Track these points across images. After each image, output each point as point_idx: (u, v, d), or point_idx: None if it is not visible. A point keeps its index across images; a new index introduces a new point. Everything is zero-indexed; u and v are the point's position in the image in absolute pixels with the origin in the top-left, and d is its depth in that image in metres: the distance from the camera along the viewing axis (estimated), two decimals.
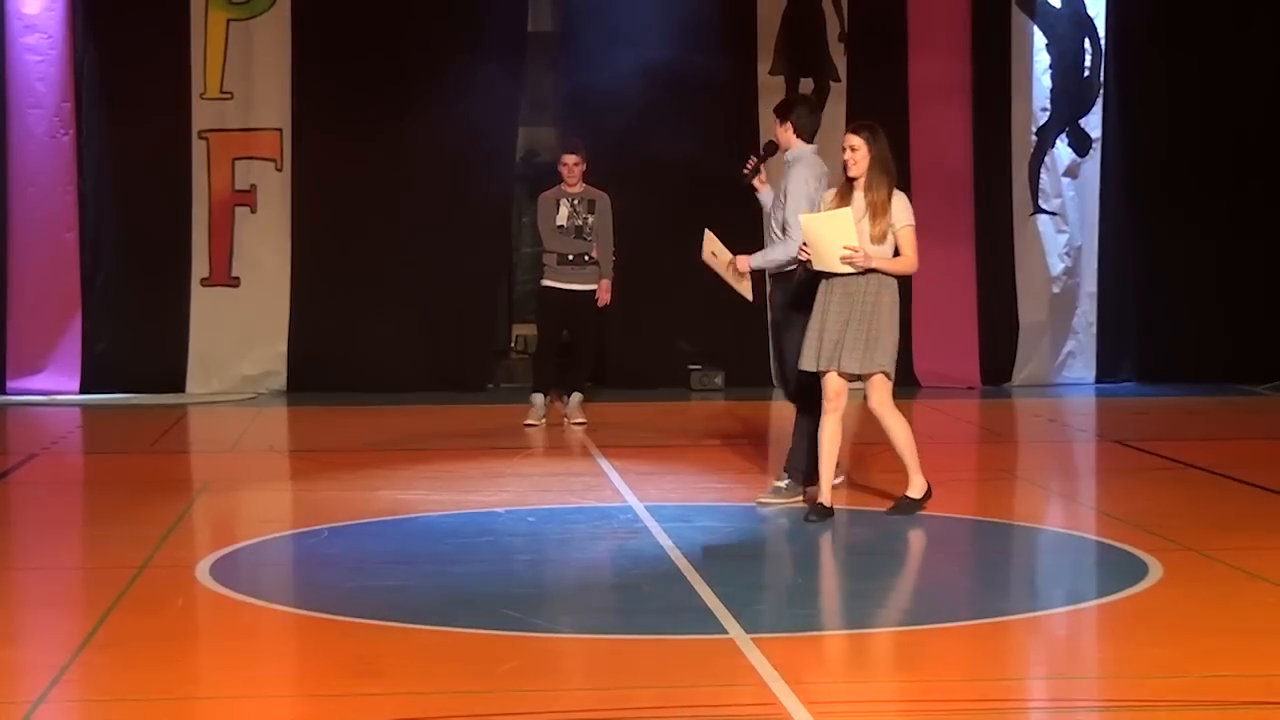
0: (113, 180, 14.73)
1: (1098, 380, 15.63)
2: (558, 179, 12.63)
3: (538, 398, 12.67)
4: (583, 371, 12.93)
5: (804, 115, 9.46)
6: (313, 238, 14.93)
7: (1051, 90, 15.61)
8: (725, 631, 6.45)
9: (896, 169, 8.91)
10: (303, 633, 6.75)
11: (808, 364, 8.88)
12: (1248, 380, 15.23)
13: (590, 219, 12.53)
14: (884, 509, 9.16)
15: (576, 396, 12.71)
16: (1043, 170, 15.61)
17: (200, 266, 14.89)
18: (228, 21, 14.84)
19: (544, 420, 12.54)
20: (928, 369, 15.44)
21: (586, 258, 12.52)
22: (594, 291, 12.54)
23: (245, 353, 14.94)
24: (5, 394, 14.51)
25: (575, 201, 12.54)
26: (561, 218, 12.51)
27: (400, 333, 15.01)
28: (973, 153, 15.49)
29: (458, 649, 6.32)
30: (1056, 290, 15.64)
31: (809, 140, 9.44)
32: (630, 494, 9.63)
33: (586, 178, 12.57)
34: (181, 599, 7.16)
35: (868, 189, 8.75)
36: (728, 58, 15.33)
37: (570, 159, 12.53)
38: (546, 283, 12.60)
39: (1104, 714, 5.59)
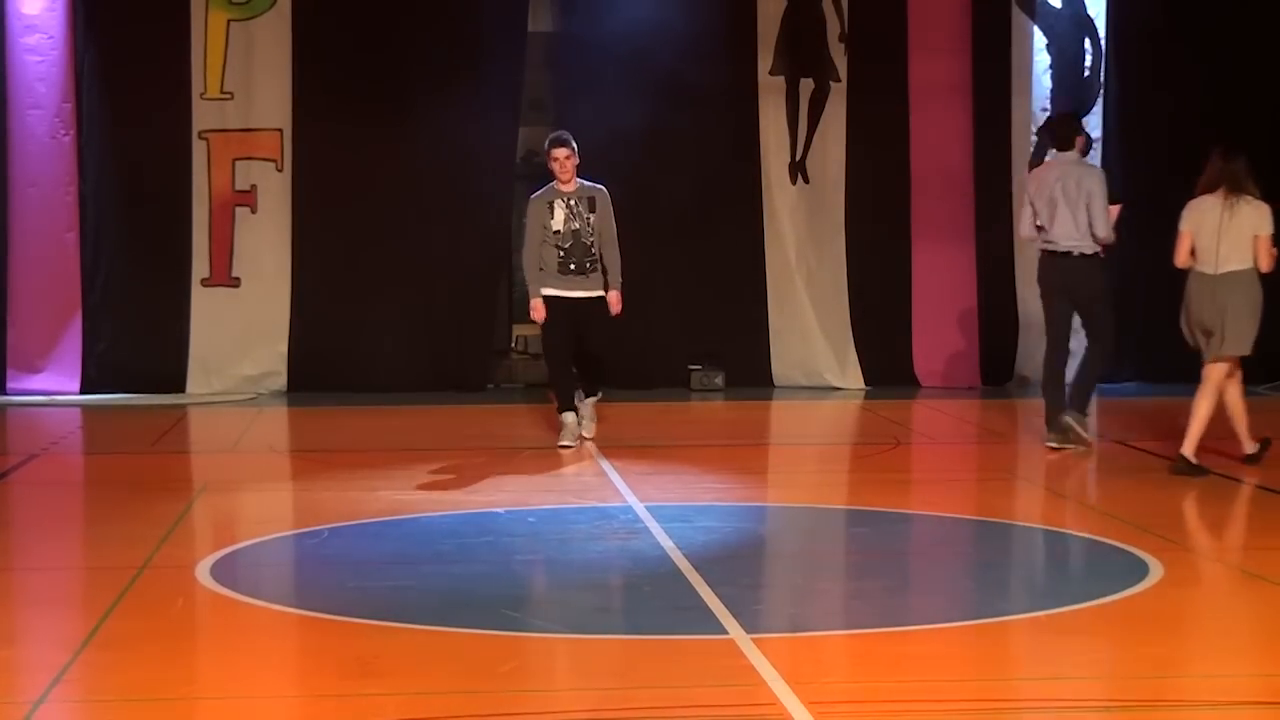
0: (113, 180, 14.73)
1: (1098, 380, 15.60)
2: (549, 178, 11.58)
3: (568, 417, 11.55)
4: (596, 377, 11.81)
5: (1053, 128, 11.68)
6: (313, 238, 14.93)
7: (1051, 90, 15.61)
8: (725, 631, 6.45)
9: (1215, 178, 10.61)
10: (303, 633, 6.76)
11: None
12: (1248, 380, 15.12)
13: (591, 218, 11.40)
14: (892, 510, 9.17)
15: (589, 401, 11.72)
16: None
17: (200, 266, 14.89)
18: (228, 21, 14.84)
19: (579, 440, 11.56)
20: (928, 369, 15.45)
21: (588, 263, 11.40)
22: (600, 298, 11.43)
23: (245, 353, 14.94)
24: (5, 394, 14.51)
25: (572, 202, 11.41)
26: (558, 222, 11.36)
27: (400, 333, 15.01)
28: (973, 153, 15.49)
29: (458, 649, 6.32)
30: None
31: (1059, 148, 11.30)
32: (630, 494, 9.63)
33: (580, 173, 11.55)
34: (182, 599, 7.16)
35: None
36: (728, 58, 15.33)
37: (561, 153, 11.40)
38: (546, 291, 11.44)
39: (1104, 714, 5.59)
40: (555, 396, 11.80)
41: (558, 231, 11.39)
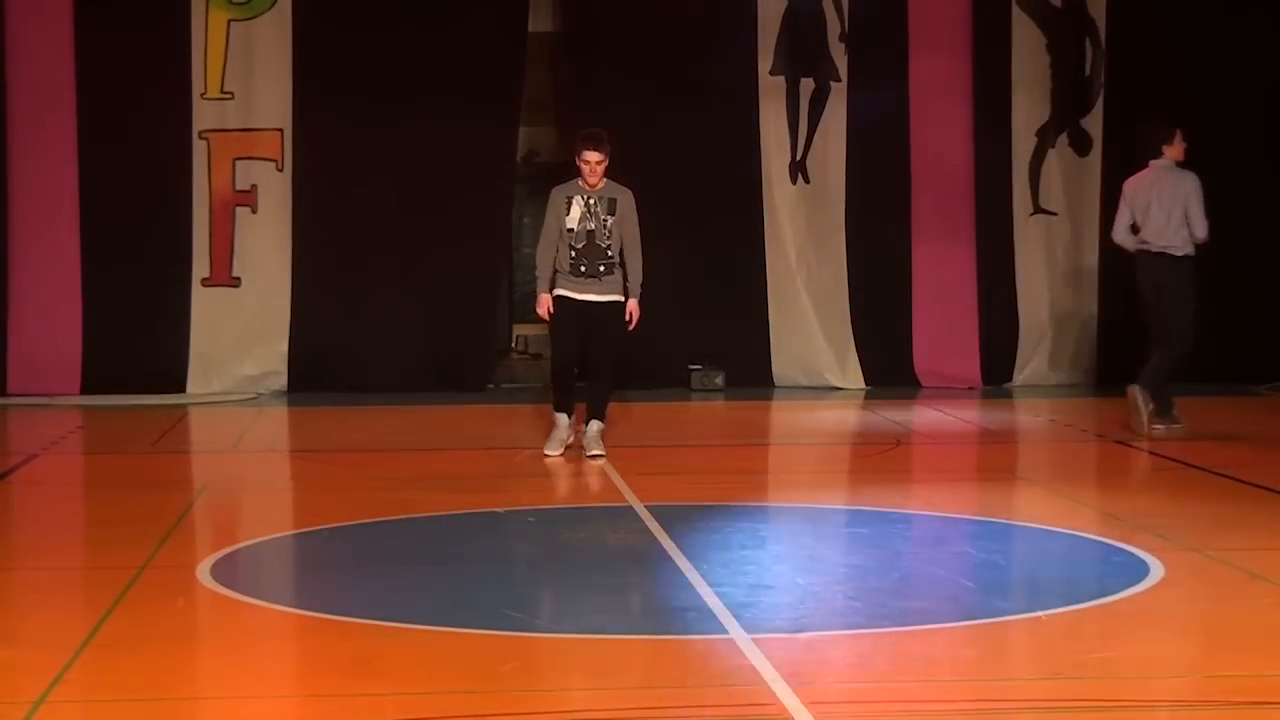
0: (113, 180, 14.73)
1: (1098, 380, 15.63)
2: (574, 173, 10.92)
3: (561, 419, 11.03)
4: (601, 395, 11.03)
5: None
6: (313, 238, 14.94)
7: (1051, 90, 15.62)
8: (725, 631, 6.45)
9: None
10: (303, 633, 6.75)
11: None
12: (1248, 380, 15.23)
13: (609, 220, 10.75)
14: (892, 510, 9.16)
15: (595, 426, 10.93)
16: (1043, 170, 15.63)
17: (200, 266, 14.90)
18: (228, 21, 14.85)
19: (566, 446, 10.99)
20: (928, 369, 15.45)
21: (602, 266, 10.78)
22: (613, 304, 10.84)
23: (246, 353, 14.95)
24: (5, 394, 14.51)
25: (591, 201, 10.75)
26: (572, 219, 10.75)
27: (400, 333, 15.02)
28: (973, 153, 15.51)
29: (458, 649, 6.32)
30: (1056, 290, 15.65)
31: (1152, 156, 12.04)
32: (630, 494, 9.63)
33: (608, 173, 10.84)
34: (182, 599, 7.16)
35: None
36: (728, 58, 15.34)
37: (593, 157, 10.68)
38: (557, 291, 10.92)
39: (1104, 714, 5.59)
40: (553, 394, 11.28)
41: (571, 230, 10.78)
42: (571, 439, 11.08)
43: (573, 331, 10.88)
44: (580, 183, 10.84)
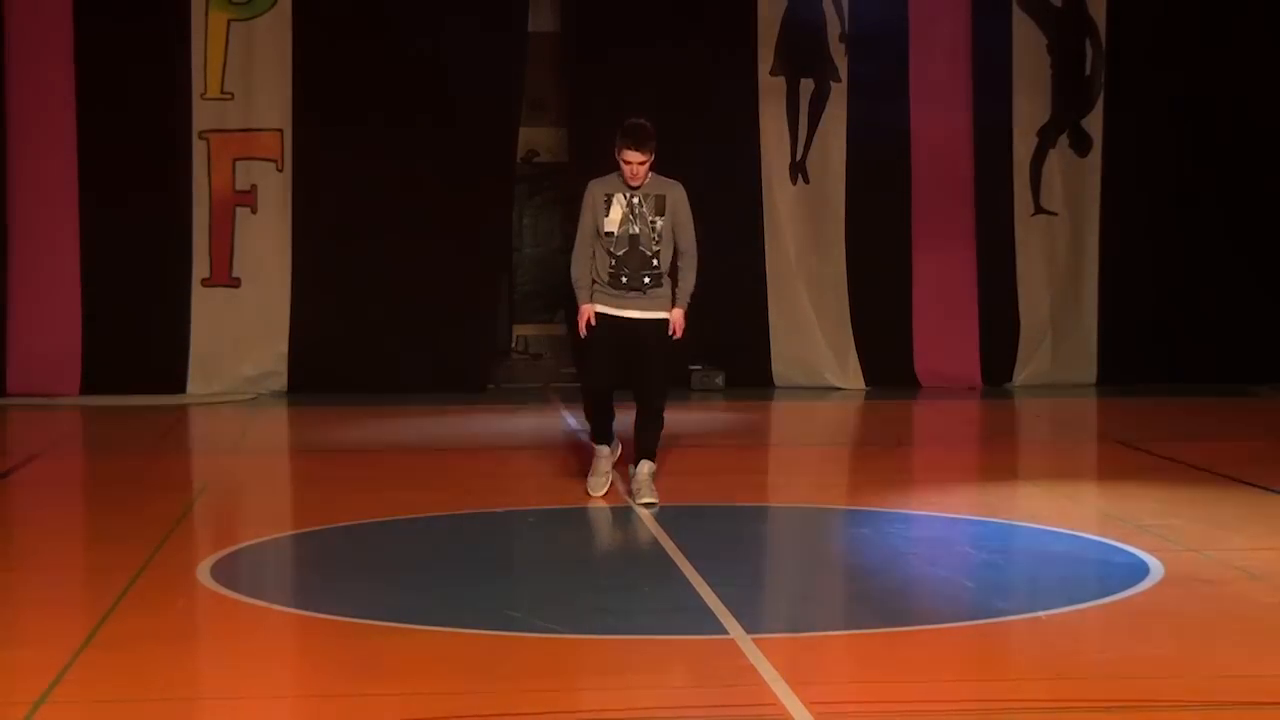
0: (113, 180, 14.73)
1: (1098, 380, 15.64)
2: (612, 166, 9.26)
3: (601, 450, 9.52)
4: (652, 430, 9.40)
5: None
6: (313, 238, 14.94)
7: (1051, 90, 15.62)
8: (725, 631, 6.45)
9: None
10: (303, 633, 6.76)
11: None
12: (1247, 380, 15.23)
13: (657, 222, 9.10)
14: (892, 510, 9.16)
15: (646, 468, 9.34)
16: (1043, 170, 15.63)
17: (200, 266, 14.90)
18: (228, 21, 14.85)
19: (609, 479, 9.59)
20: (928, 369, 15.46)
21: (646, 277, 9.12)
22: (660, 322, 9.19)
23: (245, 353, 14.95)
24: (5, 394, 14.51)
25: (635, 200, 9.12)
26: (612, 222, 9.10)
27: (400, 333, 15.02)
28: (973, 153, 15.51)
29: (458, 649, 6.32)
30: (1056, 290, 15.65)
31: None
32: (630, 494, 9.62)
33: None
34: (182, 599, 7.16)
35: None
36: (728, 58, 15.34)
37: (635, 157, 9.05)
38: (595, 306, 9.25)
39: (1104, 714, 5.59)
40: (590, 427, 9.72)
41: (610, 234, 9.11)
42: (613, 466, 9.69)
43: (611, 354, 9.24)
44: (620, 178, 9.22)
